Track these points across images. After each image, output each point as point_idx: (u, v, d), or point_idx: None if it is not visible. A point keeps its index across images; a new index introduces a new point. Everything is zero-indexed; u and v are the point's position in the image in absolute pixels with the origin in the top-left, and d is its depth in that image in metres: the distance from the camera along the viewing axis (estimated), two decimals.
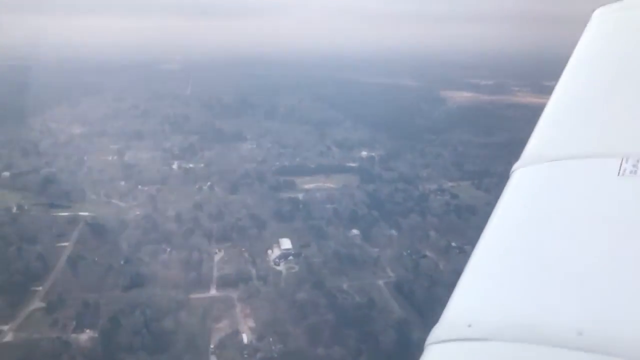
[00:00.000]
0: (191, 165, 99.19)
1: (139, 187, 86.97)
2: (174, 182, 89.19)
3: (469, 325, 2.60)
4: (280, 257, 63.80)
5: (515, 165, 4.20)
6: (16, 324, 48.74)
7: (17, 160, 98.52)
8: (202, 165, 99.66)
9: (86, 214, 75.24)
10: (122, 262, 60.36)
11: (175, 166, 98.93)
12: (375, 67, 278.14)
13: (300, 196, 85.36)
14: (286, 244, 67.08)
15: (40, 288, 55.31)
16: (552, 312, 2.60)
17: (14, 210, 72.99)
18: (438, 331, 2.70)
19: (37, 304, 52.46)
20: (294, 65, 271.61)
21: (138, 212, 75.09)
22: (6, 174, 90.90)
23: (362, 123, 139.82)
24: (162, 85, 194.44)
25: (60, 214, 74.47)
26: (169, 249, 63.70)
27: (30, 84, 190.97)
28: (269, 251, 65.86)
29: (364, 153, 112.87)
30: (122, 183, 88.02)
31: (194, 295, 54.27)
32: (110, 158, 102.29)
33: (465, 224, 69.38)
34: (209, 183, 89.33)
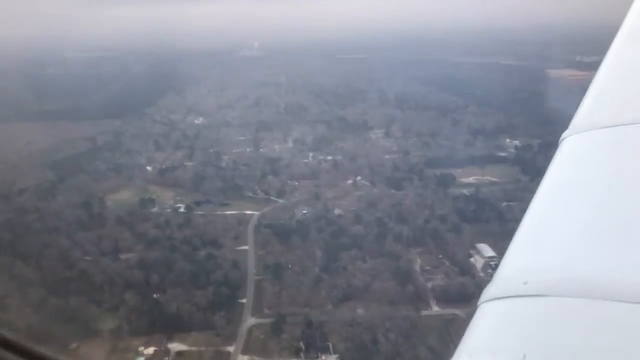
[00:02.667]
0: (329, 157, 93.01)
1: (289, 181, 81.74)
2: (323, 176, 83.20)
3: (525, 283, 2.56)
4: (489, 268, 55.93)
5: (565, 134, 4.17)
6: (241, 345, 43.93)
7: (153, 154, 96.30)
8: (340, 157, 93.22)
9: (250, 212, 70.61)
10: (317, 270, 54.72)
11: (314, 158, 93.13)
12: (460, 45, 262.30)
13: (466, 191, 77.18)
14: (487, 250, 59.07)
15: (245, 300, 50.52)
16: (614, 269, 2.57)
17: (182, 210, 69.26)
18: (492, 290, 2.64)
19: (250, 319, 47.56)
20: (379, 47, 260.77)
21: (305, 211, 69.52)
22: (149, 168, 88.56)
23: (487, 107, 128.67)
24: (257, 73, 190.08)
25: (225, 212, 70.14)
26: (362, 254, 57.48)
27: (127, 75, 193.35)
28: (471, 259, 58.25)
29: (508, 140, 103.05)
30: (271, 177, 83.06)
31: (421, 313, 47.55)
32: (246, 150, 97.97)
33: None
34: (359, 177, 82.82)
